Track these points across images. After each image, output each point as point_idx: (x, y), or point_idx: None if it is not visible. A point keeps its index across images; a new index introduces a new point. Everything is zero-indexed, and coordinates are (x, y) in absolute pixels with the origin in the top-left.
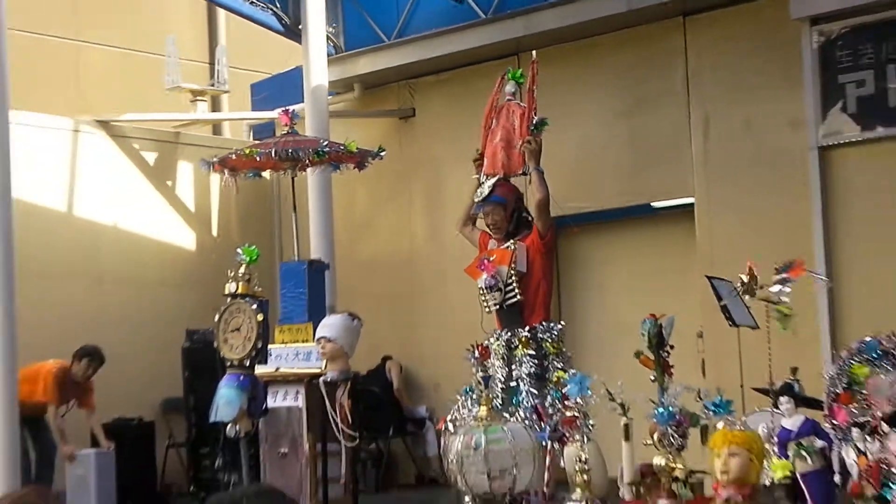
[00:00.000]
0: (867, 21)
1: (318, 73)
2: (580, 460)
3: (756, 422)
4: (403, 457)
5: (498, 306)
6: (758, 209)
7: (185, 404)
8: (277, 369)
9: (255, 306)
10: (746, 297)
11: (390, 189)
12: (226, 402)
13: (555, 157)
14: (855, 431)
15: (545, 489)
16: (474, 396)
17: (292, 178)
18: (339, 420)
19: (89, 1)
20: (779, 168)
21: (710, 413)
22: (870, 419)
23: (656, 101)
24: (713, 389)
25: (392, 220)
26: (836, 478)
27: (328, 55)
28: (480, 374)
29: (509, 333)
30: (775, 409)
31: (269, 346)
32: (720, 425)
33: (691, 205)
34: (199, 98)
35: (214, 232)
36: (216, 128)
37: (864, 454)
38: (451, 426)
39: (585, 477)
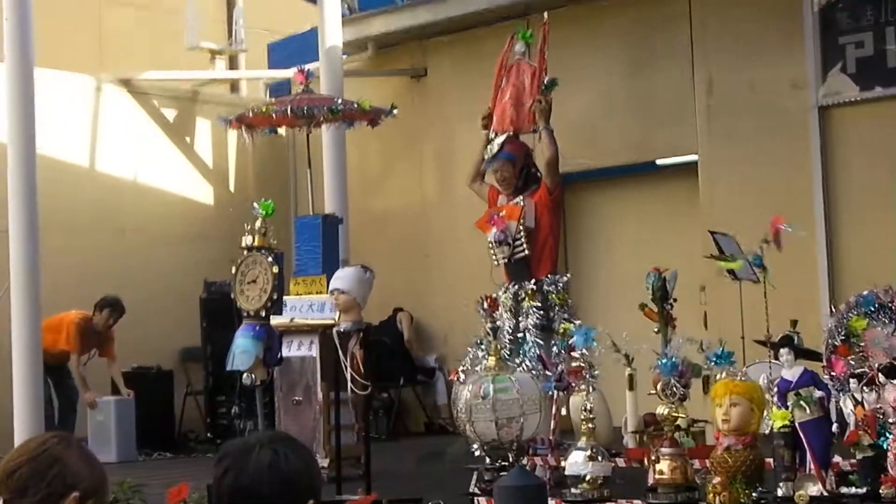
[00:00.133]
0: None
1: (333, 34)
2: (585, 409)
3: (756, 373)
4: (414, 405)
5: (506, 260)
6: (759, 167)
7: (203, 353)
8: (292, 320)
9: (270, 259)
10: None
11: (402, 146)
12: (242, 351)
13: (562, 116)
14: (852, 382)
15: (551, 437)
16: (484, 347)
17: (307, 135)
18: (351, 369)
19: None
20: (780, 127)
21: (712, 364)
22: (867, 370)
23: (661, 62)
24: (715, 341)
25: (404, 175)
26: (834, 427)
27: (342, 16)
28: (489, 325)
29: (516, 286)
30: (775, 361)
31: (284, 298)
32: (722, 376)
33: (695, 162)
34: (217, 57)
35: (231, 187)
36: (234, 86)
37: (861, 404)
38: (462, 376)
39: (591, 426)
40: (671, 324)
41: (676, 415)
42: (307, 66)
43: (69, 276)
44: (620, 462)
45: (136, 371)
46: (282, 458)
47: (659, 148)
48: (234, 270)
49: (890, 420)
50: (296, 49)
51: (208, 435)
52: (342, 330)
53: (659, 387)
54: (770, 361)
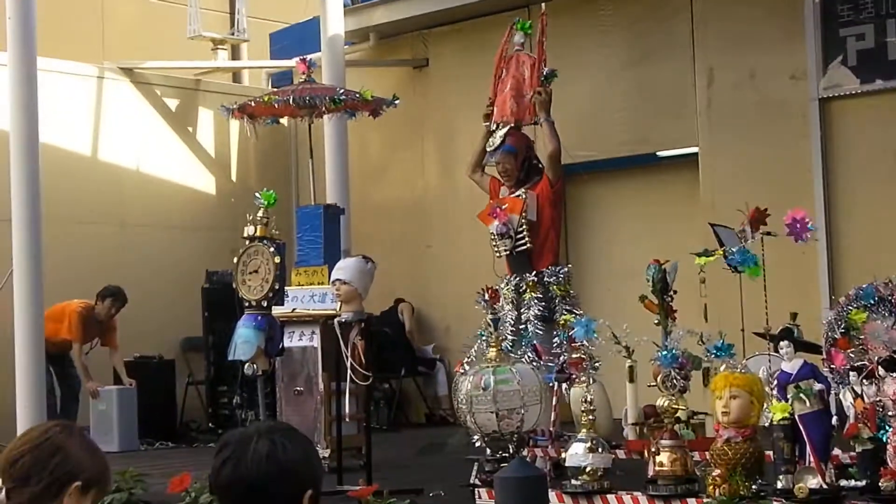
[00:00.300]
0: None
1: (335, 24)
2: (586, 401)
3: (756, 365)
4: (415, 396)
5: (508, 252)
6: (759, 159)
7: (205, 343)
8: (294, 310)
9: (272, 249)
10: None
11: (404, 136)
12: (243, 341)
13: (563, 108)
14: (852, 375)
15: (551, 429)
16: (485, 339)
17: (309, 125)
18: (352, 360)
19: None
20: (780, 119)
21: (712, 356)
22: (866, 363)
23: (662, 53)
24: (715, 333)
25: (406, 166)
26: (834, 420)
27: (345, 6)
28: (490, 316)
29: (518, 278)
30: (775, 353)
31: (286, 288)
32: (722, 368)
33: (695, 154)
34: (219, 47)
35: (233, 177)
36: (236, 76)
37: (861, 397)
38: (468, 367)
39: (591, 417)
40: (671, 316)
41: (676, 407)
42: (309, 56)
43: (71, 266)
44: (620, 454)
45: (138, 360)
46: (280, 449)
47: (660, 140)
48: (235, 260)
49: (889, 413)
50: (298, 39)
51: (210, 425)
52: (343, 320)
53: (659, 379)
54: (770, 354)
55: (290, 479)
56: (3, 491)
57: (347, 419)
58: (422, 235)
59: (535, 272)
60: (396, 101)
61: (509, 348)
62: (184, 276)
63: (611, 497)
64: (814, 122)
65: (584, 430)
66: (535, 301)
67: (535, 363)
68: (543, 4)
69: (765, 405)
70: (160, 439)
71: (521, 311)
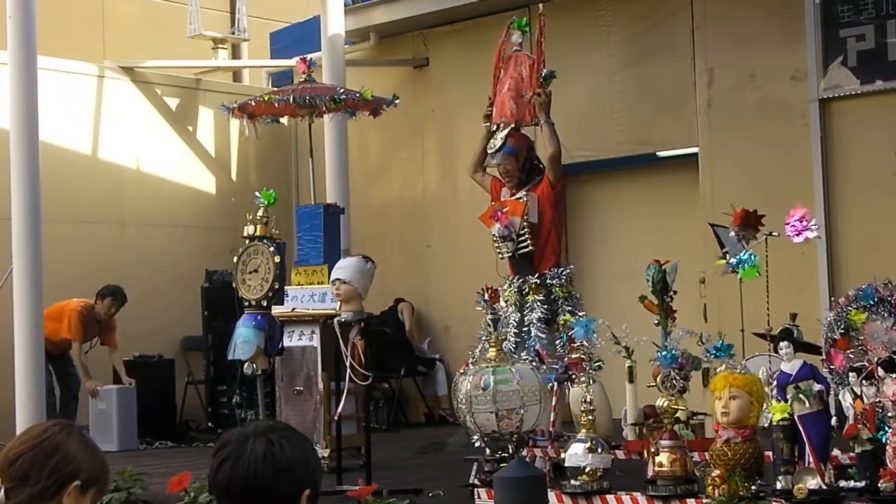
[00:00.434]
0: None
1: (335, 23)
2: (585, 401)
3: (756, 365)
4: (414, 396)
5: (510, 254)
6: (760, 159)
7: (204, 342)
8: (293, 310)
9: (272, 248)
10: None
11: (404, 136)
12: (243, 340)
13: (563, 108)
14: (851, 376)
15: (551, 429)
16: (484, 339)
17: (309, 125)
18: (352, 359)
19: None
20: (780, 119)
21: (712, 356)
22: (866, 364)
23: (662, 54)
24: (715, 334)
25: (406, 166)
26: (833, 420)
27: (345, 5)
28: (490, 316)
29: (521, 280)
30: (774, 354)
31: (286, 287)
32: (721, 369)
33: (695, 154)
34: (219, 46)
35: (233, 176)
36: (236, 75)
37: (860, 398)
38: (470, 367)
39: (590, 417)
40: (671, 316)
41: (676, 407)
42: (310, 56)
43: (71, 265)
44: (620, 454)
45: (138, 360)
46: (277, 449)
47: (660, 140)
48: (235, 260)
49: (889, 414)
50: (298, 38)
51: (209, 424)
52: (343, 320)
53: (659, 379)
54: (770, 355)
55: (288, 479)
56: (3, 490)
57: (336, 418)
58: (422, 235)
59: (537, 274)
60: (396, 101)
61: (513, 350)
62: (183, 276)
63: (610, 497)
64: (814, 123)
65: (583, 431)
66: (538, 304)
67: (535, 365)
68: (542, 5)
69: (764, 406)
70: (159, 439)
71: (524, 313)
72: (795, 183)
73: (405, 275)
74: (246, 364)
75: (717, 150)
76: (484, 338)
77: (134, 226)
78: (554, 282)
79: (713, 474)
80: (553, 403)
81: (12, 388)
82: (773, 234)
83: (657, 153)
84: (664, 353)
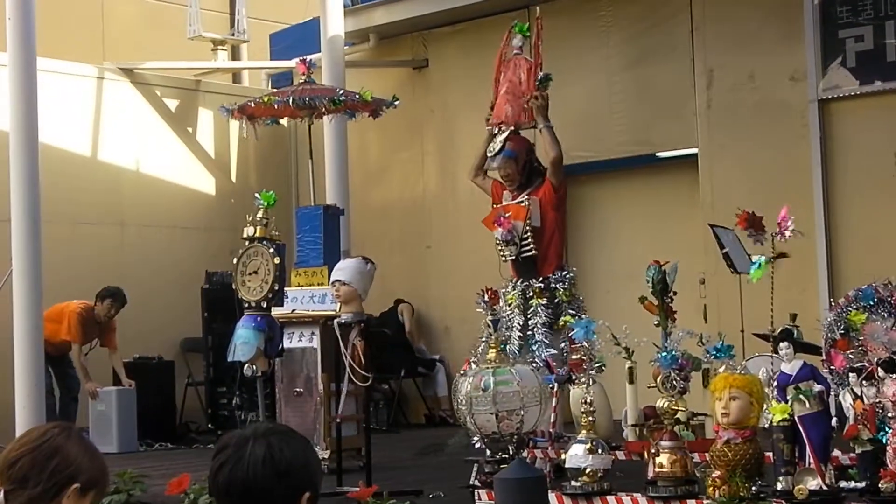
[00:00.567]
0: None
1: (335, 24)
2: (585, 402)
3: (756, 366)
4: (414, 397)
5: (514, 258)
6: (759, 160)
7: (204, 344)
8: (293, 311)
9: (272, 250)
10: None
11: (404, 137)
12: (243, 342)
13: (562, 109)
14: (851, 376)
15: (551, 430)
16: (484, 340)
17: (309, 126)
18: (352, 361)
19: None
20: (779, 120)
21: (712, 357)
22: (866, 365)
23: (661, 54)
24: (715, 334)
25: (405, 167)
26: (833, 421)
27: (345, 6)
28: (490, 317)
29: (524, 283)
30: (775, 354)
31: (286, 289)
32: (721, 369)
33: (695, 155)
34: (219, 47)
35: (233, 177)
36: (236, 76)
37: (861, 398)
38: (475, 367)
39: (591, 418)
40: (671, 317)
41: (676, 408)
42: (309, 57)
43: (71, 266)
44: (620, 455)
45: (138, 361)
46: (276, 452)
47: (659, 141)
48: (235, 261)
49: (889, 414)
50: (298, 39)
51: (209, 426)
52: (343, 321)
53: (659, 380)
54: (772, 356)
55: (287, 482)
56: (2, 493)
57: (338, 420)
58: (421, 236)
59: (541, 278)
60: (396, 102)
61: (517, 353)
62: (183, 277)
63: (610, 498)
64: (813, 124)
65: (583, 432)
66: (542, 308)
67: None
68: (538, 8)
69: (764, 406)
70: (159, 440)
71: (528, 316)
72: (795, 183)
73: (405, 276)
74: (246, 365)
75: (717, 150)
76: (485, 339)
77: (133, 227)
78: (557, 285)
79: (713, 475)
80: (553, 404)
81: (12, 390)
82: (776, 235)
83: (657, 154)
84: (664, 353)
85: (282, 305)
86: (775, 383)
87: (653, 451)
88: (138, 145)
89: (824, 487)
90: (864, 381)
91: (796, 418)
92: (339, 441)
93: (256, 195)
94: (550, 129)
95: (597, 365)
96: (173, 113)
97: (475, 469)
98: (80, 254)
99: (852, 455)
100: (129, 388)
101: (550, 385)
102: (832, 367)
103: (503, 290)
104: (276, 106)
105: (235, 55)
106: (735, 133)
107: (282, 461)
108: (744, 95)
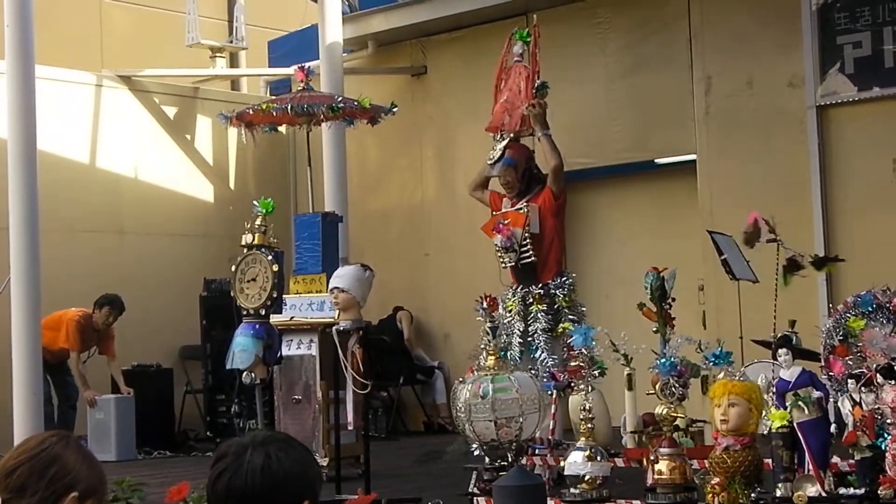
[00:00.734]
0: None
1: (333, 31)
2: (584, 409)
3: (755, 372)
4: (413, 404)
5: (513, 264)
6: (757, 166)
7: (203, 352)
8: (292, 318)
9: (270, 257)
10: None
11: (402, 144)
12: (241, 349)
13: (561, 115)
14: (850, 383)
15: (550, 437)
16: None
17: (307, 133)
18: (350, 368)
19: None
20: (778, 126)
21: (711, 364)
22: (865, 371)
23: (660, 61)
24: (713, 341)
25: (404, 174)
26: (832, 427)
27: (343, 14)
28: (489, 324)
29: (524, 290)
30: (773, 361)
31: (284, 296)
32: (720, 376)
33: (693, 161)
34: (217, 55)
35: (231, 184)
36: (234, 83)
37: (859, 405)
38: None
39: (589, 425)
40: (670, 323)
41: (675, 415)
42: (308, 64)
43: (69, 274)
44: (619, 462)
45: (136, 369)
46: (274, 461)
47: (658, 147)
48: (233, 268)
49: (888, 421)
50: (296, 46)
51: (208, 433)
52: (342, 328)
53: (658, 387)
54: (773, 362)
55: (285, 491)
56: (0, 501)
57: (352, 427)
58: (420, 243)
59: (541, 284)
60: (395, 109)
61: (518, 359)
62: (182, 285)
63: None
64: (811, 130)
65: (582, 439)
66: (542, 314)
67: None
68: (535, 16)
69: (763, 413)
70: (158, 448)
71: (528, 322)
72: (793, 189)
73: (404, 283)
74: (244, 373)
75: (715, 157)
76: (484, 346)
77: (132, 234)
78: (557, 291)
79: (712, 482)
80: (553, 411)
81: (10, 398)
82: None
83: (655, 160)
84: (663, 360)
85: (280, 313)
86: (774, 390)
87: (652, 458)
88: (137, 153)
89: (823, 494)
90: (862, 388)
91: (795, 425)
92: (337, 449)
93: (255, 202)
94: (549, 136)
95: (596, 371)
96: (172, 120)
97: (474, 476)
98: (78, 261)
99: (851, 461)
100: (127, 396)
101: (549, 392)
102: (831, 374)
103: (503, 297)
104: (274, 113)
105: (234, 62)
106: (733, 139)
107: (280, 471)
108: (742, 102)
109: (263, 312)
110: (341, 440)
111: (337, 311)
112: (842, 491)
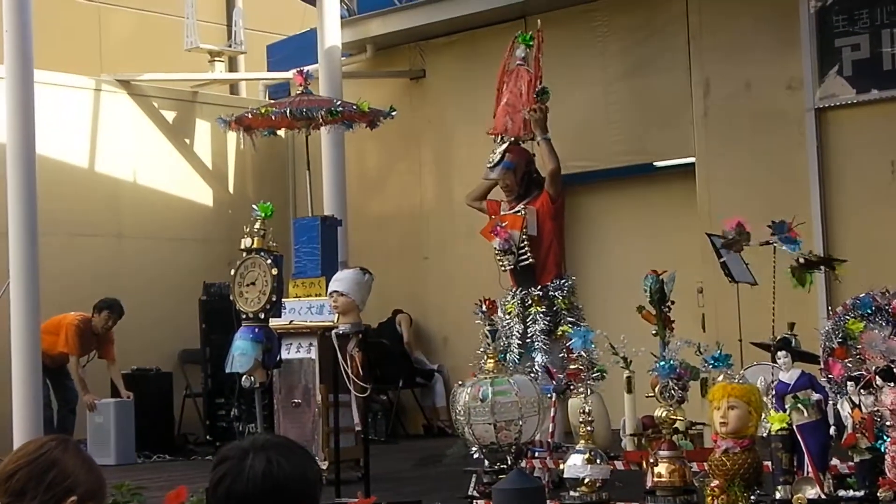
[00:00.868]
0: None
1: (332, 35)
2: (584, 412)
3: (754, 375)
4: (412, 407)
5: (512, 267)
6: (756, 169)
7: (202, 355)
8: (291, 322)
9: (269, 261)
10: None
11: (401, 148)
12: (241, 353)
13: (560, 119)
14: (850, 385)
15: (550, 440)
16: (482, 350)
17: (306, 137)
18: (350, 371)
19: None
20: (776, 129)
21: (710, 367)
22: (864, 373)
23: (658, 64)
24: (713, 344)
25: (403, 177)
26: (832, 430)
27: (342, 17)
28: (488, 327)
29: (524, 292)
30: (773, 363)
31: (283, 300)
32: (719, 379)
33: (692, 164)
34: (216, 59)
35: (231, 188)
36: (233, 88)
37: (859, 407)
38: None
39: (589, 428)
40: (669, 326)
41: (674, 417)
42: (306, 68)
43: (68, 278)
44: (619, 465)
45: (136, 373)
46: (275, 465)
47: (656, 150)
48: (233, 272)
49: (887, 423)
50: (295, 50)
51: (207, 437)
52: (341, 332)
53: (657, 389)
54: (772, 365)
55: (286, 495)
56: None
57: (359, 429)
58: (419, 246)
59: (539, 286)
60: (393, 113)
61: (517, 362)
62: (181, 288)
63: None
64: (810, 132)
65: (582, 442)
66: (541, 316)
67: (538, 377)
68: (539, 20)
69: (763, 415)
70: (157, 452)
71: (527, 324)
72: (792, 192)
73: (403, 286)
74: (244, 377)
75: (714, 159)
76: (481, 350)
77: (131, 238)
78: (556, 293)
79: (712, 484)
80: (552, 414)
81: (9, 402)
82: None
83: (654, 163)
84: (662, 363)
85: (280, 316)
86: (773, 392)
87: (651, 460)
88: (135, 157)
89: (823, 496)
90: (862, 390)
91: (794, 427)
92: (337, 452)
93: (254, 206)
94: (548, 141)
95: (595, 374)
96: (170, 124)
97: (474, 479)
98: (77, 265)
99: (851, 464)
100: (127, 400)
101: (549, 395)
102: (830, 376)
103: (502, 300)
104: (273, 117)
105: (232, 66)
106: (732, 142)
107: (281, 474)
108: (741, 104)
109: (263, 316)
110: (341, 443)
111: (336, 315)
112: (841, 493)
